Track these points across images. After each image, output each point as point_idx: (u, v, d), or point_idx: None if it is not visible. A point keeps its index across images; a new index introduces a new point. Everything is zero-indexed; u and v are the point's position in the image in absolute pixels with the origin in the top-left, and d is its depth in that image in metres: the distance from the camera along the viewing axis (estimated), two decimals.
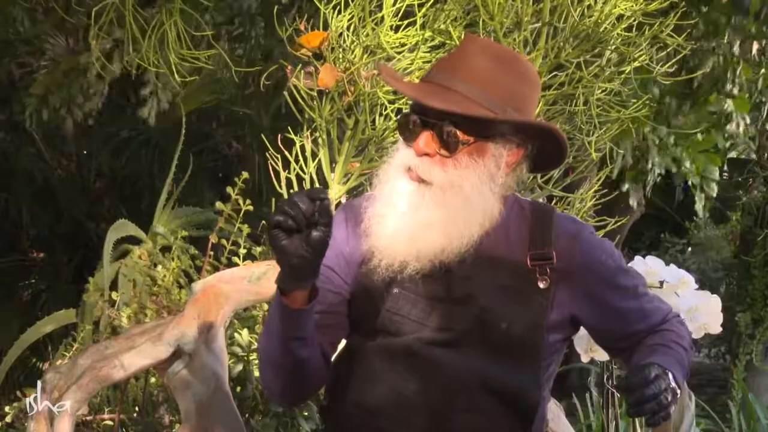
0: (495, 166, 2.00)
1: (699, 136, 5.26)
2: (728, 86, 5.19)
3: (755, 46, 5.37)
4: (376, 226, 2.00)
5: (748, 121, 5.48)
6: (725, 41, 4.97)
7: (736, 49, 5.07)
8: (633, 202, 5.30)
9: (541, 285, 2.02)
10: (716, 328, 2.92)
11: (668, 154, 5.12)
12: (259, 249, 3.39)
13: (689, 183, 5.46)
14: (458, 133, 1.96)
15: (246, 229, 3.39)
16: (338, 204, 3.18)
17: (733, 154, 6.70)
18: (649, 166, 5.09)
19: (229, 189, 3.40)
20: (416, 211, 1.96)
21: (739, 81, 5.23)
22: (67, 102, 5.12)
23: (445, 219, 1.97)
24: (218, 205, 3.46)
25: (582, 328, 2.16)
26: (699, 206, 5.74)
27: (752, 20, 5.04)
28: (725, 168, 7.82)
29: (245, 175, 3.35)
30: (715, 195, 5.61)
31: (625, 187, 5.22)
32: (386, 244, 1.98)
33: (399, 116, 2.05)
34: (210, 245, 3.44)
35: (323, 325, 2.02)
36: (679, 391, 1.95)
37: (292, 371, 2.01)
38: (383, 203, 2.00)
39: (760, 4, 5.06)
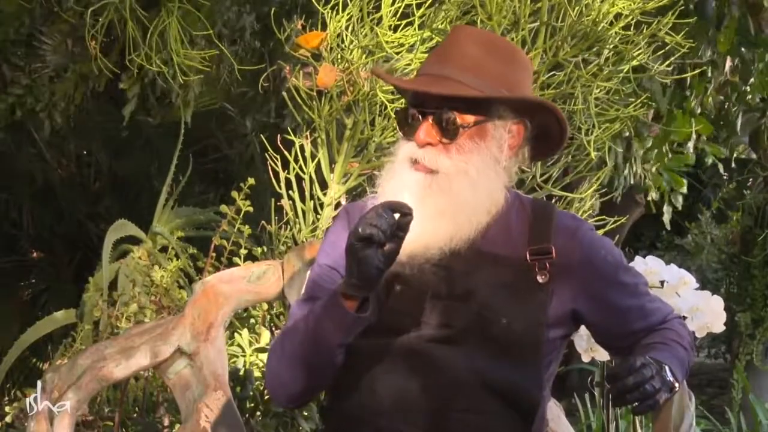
0: (497, 149, 2.02)
1: (666, 154, 5.27)
2: (694, 104, 5.20)
3: (728, 64, 5.35)
4: None
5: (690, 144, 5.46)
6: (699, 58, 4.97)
7: (709, 71, 5.08)
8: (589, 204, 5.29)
9: (540, 279, 2.03)
10: (719, 328, 2.92)
11: (646, 160, 5.13)
12: (259, 250, 3.39)
13: (650, 197, 5.46)
14: (457, 117, 1.98)
15: (247, 230, 3.39)
16: (338, 205, 3.19)
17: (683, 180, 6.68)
18: (622, 170, 5.09)
19: (234, 194, 3.40)
20: (423, 202, 1.98)
21: (703, 102, 5.25)
22: (47, 105, 5.11)
23: (453, 206, 1.98)
24: (222, 208, 3.47)
25: (583, 326, 2.16)
26: (666, 218, 5.74)
27: (713, 29, 5.04)
28: (725, 168, 7.82)
29: (251, 181, 3.34)
30: (680, 207, 5.60)
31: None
32: None
33: (397, 112, 2.07)
34: (212, 246, 3.45)
35: None
36: (676, 386, 1.95)
37: (321, 374, 2.04)
38: (390, 195, 2.01)
39: (722, 13, 5.06)
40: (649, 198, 5.43)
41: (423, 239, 1.98)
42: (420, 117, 2.00)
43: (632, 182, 5.15)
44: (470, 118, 2.00)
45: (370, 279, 1.91)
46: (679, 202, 5.54)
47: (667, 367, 1.94)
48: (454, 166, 1.99)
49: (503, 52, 2.05)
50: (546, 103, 2.08)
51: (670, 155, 5.28)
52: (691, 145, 5.33)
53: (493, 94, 2.00)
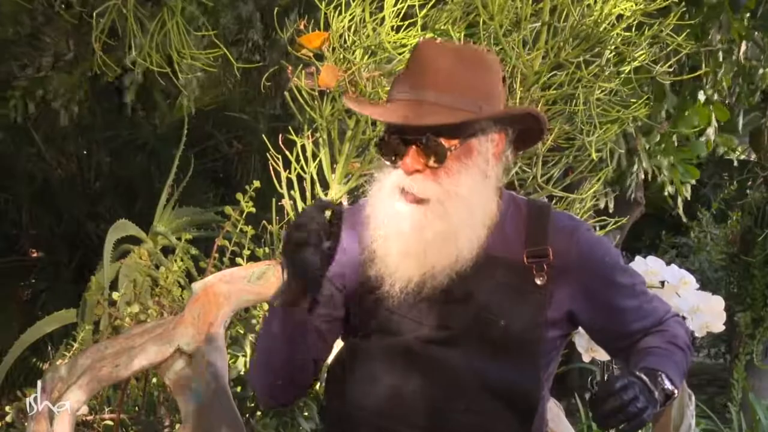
0: (484, 162, 2.01)
1: (677, 144, 5.26)
2: (708, 91, 5.19)
3: (742, 48, 5.34)
4: (381, 250, 2.00)
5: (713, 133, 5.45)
6: (712, 44, 4.97)
7: (720, 55, 5.08)
8: (604, 203, 5.29)
9: (538, 281, 2.03)
10: (719, 327, 2.93)
11: (652, 156, 5.12)
12: (261, 251, 3.39)
13: (666, 192, 5.45)
14: (442, 141, 1.96)
15: (250, 230, 3.39)
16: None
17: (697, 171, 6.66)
18: (631, 167, 5.08)
19: (238, 196, 3.39)
20: (421, 230, 1.97)
21: (719, 86, 5.24)
22: (59, 95, 5.11)
23: (452, 230, 1.98)
24: (226, 209, 3.46)
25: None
26: (680, 211, 5.73)
27: (745, 20, 5.04)
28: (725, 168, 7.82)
29: (257, 183, 3.34)
30: (689, 197, 5.60)
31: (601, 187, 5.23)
32: (396, 267, 1.98)
33: (377, 140, 2.04)
34: (216, 247, 3.44)
35: (321, 329, 2.05)
36: (675, 392, 1.96)
37: (284, 372, 2.05)
38: (385, 225, 1.99)
39: (756, 3, 5.05)
40: (666, 192, 5.41)
41: (429, 264, 1.98)
42: (403, 143, 1.97)
43: (642, 177, 5.14)
44: (455, 141, 1.97)
45: (313, 281, 1.92)
46: (689, 192, 5.52)
47: (663, 375, 1.94)
48: (445, 191, 1.97)
49: (471, 59, 2.02)
50: (527, 112, 2.08)
51: (675, 146, 5.26)
52: (711, 131, 5.31)
53: (474, 111, 1.97)
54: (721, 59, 5.07)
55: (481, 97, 1.99)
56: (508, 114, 2.04)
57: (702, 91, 5.14)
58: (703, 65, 4.86)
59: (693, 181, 5.46)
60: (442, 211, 1.97)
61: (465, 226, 1.98)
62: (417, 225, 1.96)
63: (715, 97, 5.25)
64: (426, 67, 1.99)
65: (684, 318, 2.51)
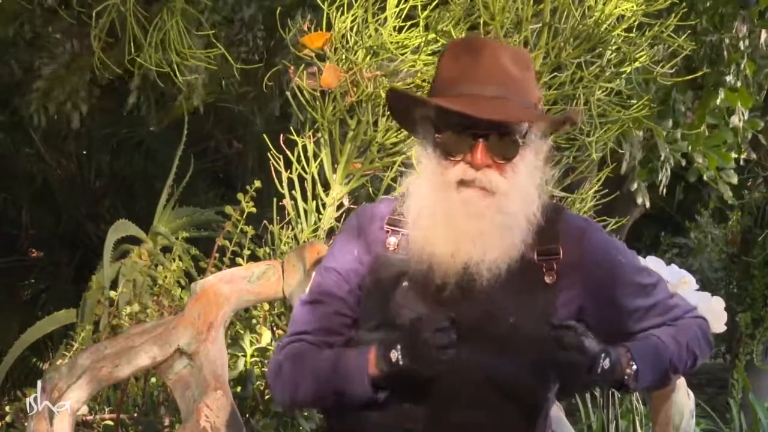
0: (536, 158, 2.04)
1: (706, 132, 5.24)
2: (731, 79, 5.16)
3: (763, 36, 5.33)
4: (426, 238, 2.00)
5: (745, 116, 5.43)
6: (732, 33, 4.97)
7: (741, 44, 5.07)
8: (641, 200, 5.28)
9: (548, 280, 2.04)
10: (720, 328, 2.92)
11: (677, 149, 5.10)
12: (261, 251, 3.39)
13: (704, 177, 5.41)
14: (516, 138, 1.99)
15: (250, 230, 3.39)
16: (340, 205, 3.19)
17: (732, 155, 6.66)
18: (660, 162, 5.06)
19: (239, 196, 3.39)
20: (480, 219, 1.97)
21: (742, 74, 5.21)
22: (71, 96, 5.11)
23: (510, 223, 1.99)
24: (227, 209, 3.46)
25: None
26: (726, 195, 5.67)
27: (756, 15, 5.05)
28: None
29: (258, 183, 3.34)
30: (735, 182, 5.55)
31: (634, 186, 5.20)
32: (441, 254, 1.99)
33: (440, 135, 2.02)
34: (216, 247, 3.44)
35: (337, 325, 2.09)
36: (630, 385, 1.98)
37: (315, 401, 2.13)
38: (435, 214, 1.99)
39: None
40: (705, 178, 5.39)
41: (476, 256, 1.98)
42: (471, 137, 1.98)
43: (672, 165, 5.12)
44: (523, 137, 2.01)
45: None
46: (734, 177, 5.50)
47: (631, 358, 1.97)
48: (512, 186, 1.99)
49: (521, 58, 2.06)
50: (576, 119, 2.17)
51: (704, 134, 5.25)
52: (736, 118, 5.29)
53: (534, 110, 2.02)
54: (742, 48, 5.05)
55: (534, 94, 2.04)
56: (569, 118, 2.11)
57: (727, 78, 5.13)
58: (725, 54, 4.84)
59: (733, 164, 5.43)
60: (505, 205, 1.98)
61: (522, 221, 2.00)
62: (477, 214, 1.97)
63: (738, 84, 5.23)
64: (488, 63, 2.00)
65: None
